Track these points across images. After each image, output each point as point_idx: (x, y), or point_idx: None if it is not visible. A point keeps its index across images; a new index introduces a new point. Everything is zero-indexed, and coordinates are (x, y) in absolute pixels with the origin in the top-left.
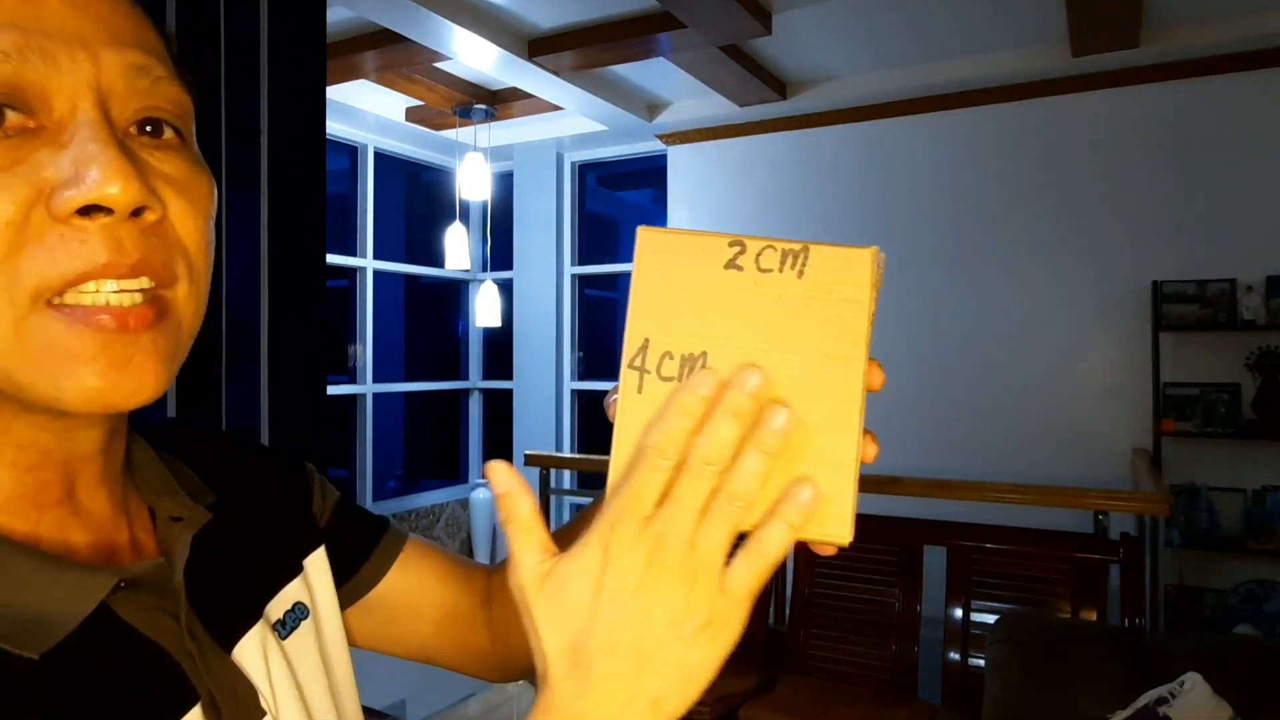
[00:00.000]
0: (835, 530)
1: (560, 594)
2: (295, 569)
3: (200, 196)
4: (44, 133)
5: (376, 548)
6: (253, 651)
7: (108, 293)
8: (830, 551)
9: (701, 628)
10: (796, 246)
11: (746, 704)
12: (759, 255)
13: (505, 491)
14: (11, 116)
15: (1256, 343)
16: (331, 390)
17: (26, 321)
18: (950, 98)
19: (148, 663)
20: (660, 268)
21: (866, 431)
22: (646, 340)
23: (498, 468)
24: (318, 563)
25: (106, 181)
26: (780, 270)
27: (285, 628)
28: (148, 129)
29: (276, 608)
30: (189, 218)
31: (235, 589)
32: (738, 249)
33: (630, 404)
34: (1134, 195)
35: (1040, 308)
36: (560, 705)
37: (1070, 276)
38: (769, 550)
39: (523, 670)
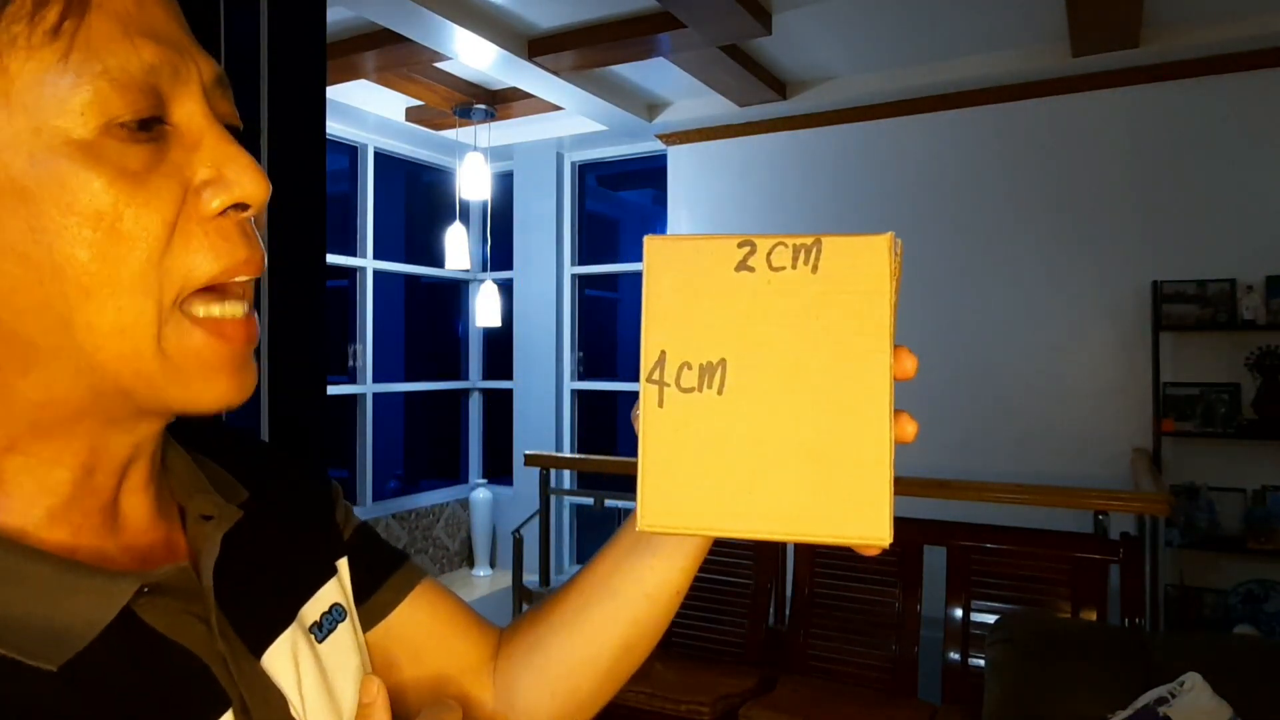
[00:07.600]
0: (873, 531)
1: None
2: (330, 570)
3: None
4: (172, 134)
5: (393, 576)
6: (283, 657)
7: (232, 306)
8: (873, 552)
9: None
10: (808, 240)
11: (746, 704)
12: (770, 253)
13: (369, 702)
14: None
15: (1256, 343)
16: (331, 390)
17: (168, 328)
18: (950, 98)
19: (176, 668)
20: (670, 276)
21: (899, 412)
22: (663, 352)
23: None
24: (345, 569)
25: (251, 181)
26: (794, 267)
27: (322, 630)
28: None
29: (313, 610)
30: None
31: (267, 591)
32: (748, 249)
33: (653, 418)
34: (1134, 195)
35: (1040, 307)
36: None
37: (1070, 276)
38: None
39: None
